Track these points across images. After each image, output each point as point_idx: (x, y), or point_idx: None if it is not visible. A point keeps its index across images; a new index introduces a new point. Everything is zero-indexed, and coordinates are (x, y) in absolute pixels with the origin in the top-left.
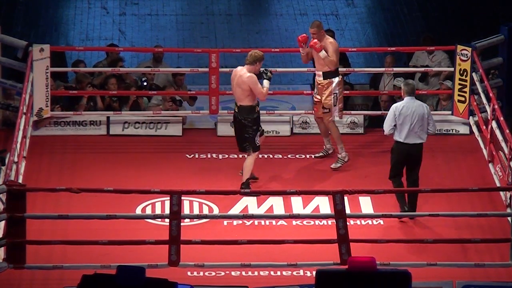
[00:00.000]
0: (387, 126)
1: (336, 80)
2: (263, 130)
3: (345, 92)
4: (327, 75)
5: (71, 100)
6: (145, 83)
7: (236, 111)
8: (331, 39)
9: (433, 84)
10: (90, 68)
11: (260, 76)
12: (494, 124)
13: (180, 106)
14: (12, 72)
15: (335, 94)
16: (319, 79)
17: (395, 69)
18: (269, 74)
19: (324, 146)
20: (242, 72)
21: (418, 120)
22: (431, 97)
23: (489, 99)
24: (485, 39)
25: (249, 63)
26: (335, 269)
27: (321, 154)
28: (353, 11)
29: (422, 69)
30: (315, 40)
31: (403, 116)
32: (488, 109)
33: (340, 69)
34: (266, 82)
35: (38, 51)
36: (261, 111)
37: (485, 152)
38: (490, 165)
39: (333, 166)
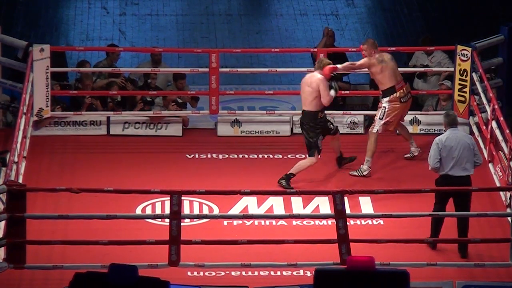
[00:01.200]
0: (432, 160)
1: (384, 99)
2: (336, 127)
3: (345, 92)
4: (382, 94)
5: (72, 101)
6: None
7: (301, 115)
8: (376, 58)
9: (432, 84)
10: (90, 68)
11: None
12: (494, 124)
13: (185, 108)
14: (12, 72)
15: (383, 108)
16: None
17: None
18: (335, 86)
19: (410, 149)
20: (315, 74)
21: (464, 151)
22: (431, 97)
23: (489, 99)
24: (485, 39)
25: (317, 68)
26: (334, 269)
27: (408, 155)
28: (353, 11)
29: (423, 69)
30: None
31: (448, 148)
32: (488, 109)
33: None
34: (332, 91)
35: (38, 51)
36: (260, 112)
37: (485, 152)
38: (490, 165)
39: (350, 172)
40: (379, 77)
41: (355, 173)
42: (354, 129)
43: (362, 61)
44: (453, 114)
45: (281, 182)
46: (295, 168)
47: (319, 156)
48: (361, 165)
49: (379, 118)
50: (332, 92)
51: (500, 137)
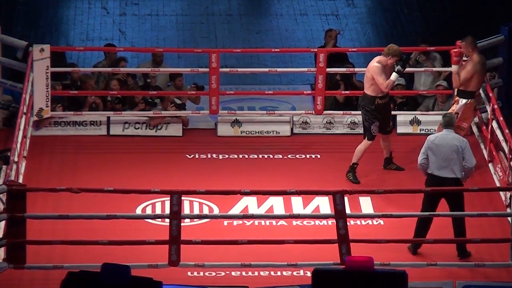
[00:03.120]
0: (420, 157)
1: (463, 101)
2: (392, 127)
3: (345, 92)
4: (459, 93)
5: (72, 101)
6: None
7: (361, 98)
8: (475, 58)
9: (425, 84)
10: (89, 68)
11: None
12: (494, 124)
13: (183, 109)
14: (12, 72)
15: (456, 114)
16: (455, 93)
17: None
18: (399, 68)
19: None
20: (375, 59)
21: (450, 152)
22: (428, 98)
23: (489, 99)
24: (485, 39)
25: (383, 54)
26: (332, 268)
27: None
28: (353, 11)
29: (423, 69)
30: (456, 50)
31: (435, 147)
32: (488, 109)
33: (340, 69)
34: (394, 75)
35: (38, 51)
36: (261, 112)
37: (485, 152)
38: (490, 165)
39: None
40: (462, 78)
41: None
42: (354, 129)
43: (467, 68)
44: (450, 115)
45: (349, 176)
46: (355, 156)
47: (370, 141)
48: None
49: None
50: (393, 76)
51: (500, 137)
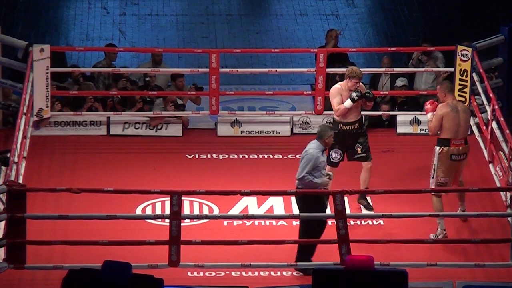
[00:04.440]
0: None
1: (436, 149)
2: (366, 156)
3: None
4: (437, 140)
5: (72, 102)
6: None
7: None
8: (445, 106)
9: (427, 82)
10: (89, 68)
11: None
12: (494, 124)
13: (183, 110)
14: (12, 72)
15: (434, 165)
16: None
17: (395, 69)
18: (353, 96)
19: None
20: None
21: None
22: (429, 98)
23: (489, 100)
24: (485, 39)
25: (345, 76)
26: (332, 268)
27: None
28: (353, 11)
29: (423, 69)
30: (431, 100)
31: None
32: (488, 110)
33: (340, 69)
34: (347, 102)
35: (38, 51)
36: (261, 112)
37: (485, 152)
38: (490, 165)
39: (430, 235)
40: (433, 124)
41: (432, 236)
42: None
43: (436, 115)
44: (321, 127)
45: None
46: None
47: (330, 168)
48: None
49: (431, 177)
50: (346, 102)
51: (500, 138)
